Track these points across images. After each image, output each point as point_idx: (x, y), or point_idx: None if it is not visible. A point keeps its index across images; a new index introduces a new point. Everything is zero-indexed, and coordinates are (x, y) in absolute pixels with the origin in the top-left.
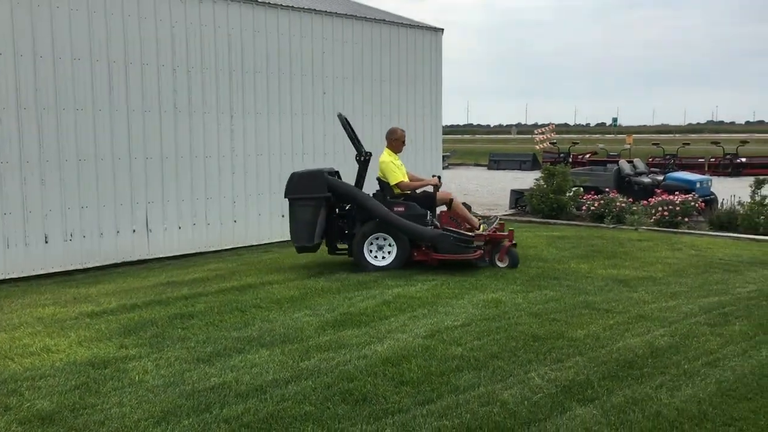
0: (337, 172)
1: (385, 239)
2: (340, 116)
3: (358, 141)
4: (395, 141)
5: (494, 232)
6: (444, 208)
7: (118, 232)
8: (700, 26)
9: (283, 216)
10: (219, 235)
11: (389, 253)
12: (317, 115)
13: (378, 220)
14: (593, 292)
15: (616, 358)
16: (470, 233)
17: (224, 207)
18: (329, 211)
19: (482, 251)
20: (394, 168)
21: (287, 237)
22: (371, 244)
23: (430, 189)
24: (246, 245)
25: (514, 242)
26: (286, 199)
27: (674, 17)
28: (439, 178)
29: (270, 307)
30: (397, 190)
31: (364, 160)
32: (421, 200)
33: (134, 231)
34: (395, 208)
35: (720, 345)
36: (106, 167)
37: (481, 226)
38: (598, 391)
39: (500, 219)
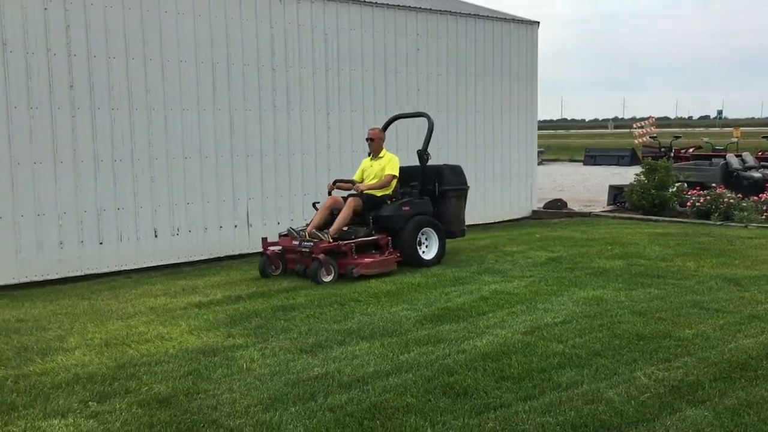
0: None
1: None
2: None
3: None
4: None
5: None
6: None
7: (221, 227)
8: None
9: None
10: None
11: None
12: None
13: None
14: (701, 291)
15: (728, 359)
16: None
17: None
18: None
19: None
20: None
21: None
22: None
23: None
24: None
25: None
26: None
27: None
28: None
29: (368, 300)
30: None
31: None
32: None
33: (236, 226)
34: None
35: None
36: (210, 165)
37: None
38: (710, 393)
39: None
